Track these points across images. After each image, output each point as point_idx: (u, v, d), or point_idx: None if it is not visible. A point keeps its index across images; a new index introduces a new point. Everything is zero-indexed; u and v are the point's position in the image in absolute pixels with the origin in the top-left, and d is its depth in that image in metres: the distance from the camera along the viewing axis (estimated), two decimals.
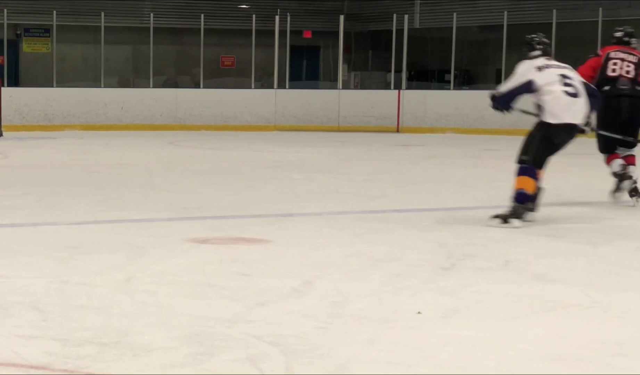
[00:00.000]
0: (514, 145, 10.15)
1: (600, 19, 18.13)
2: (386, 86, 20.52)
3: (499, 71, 19.63)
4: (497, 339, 3.50)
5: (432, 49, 21.63)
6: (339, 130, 18.59)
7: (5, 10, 18.67)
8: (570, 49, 19.45)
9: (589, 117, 6.97)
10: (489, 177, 10.01)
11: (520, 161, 6.61)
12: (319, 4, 22.41)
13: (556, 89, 6.60)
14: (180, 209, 7.17)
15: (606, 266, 5.10)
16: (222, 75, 22.04)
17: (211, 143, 14.88)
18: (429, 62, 22.29)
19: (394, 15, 19.87)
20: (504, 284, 4.51)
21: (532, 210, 6.54)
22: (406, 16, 19.98)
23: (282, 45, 19.79)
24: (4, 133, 15.65)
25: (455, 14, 19.41)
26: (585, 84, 6.85)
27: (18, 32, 20.88)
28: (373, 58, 23.24)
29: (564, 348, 3.39)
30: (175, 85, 20.76)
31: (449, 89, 19.42)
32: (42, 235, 5.88)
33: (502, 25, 18.94)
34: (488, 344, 3.42)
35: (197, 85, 19.84)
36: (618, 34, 8.00)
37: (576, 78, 6.79)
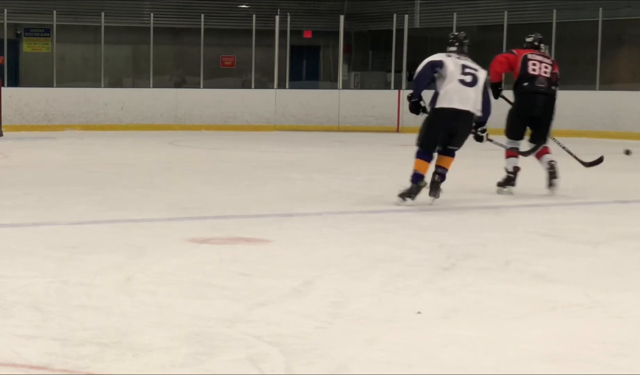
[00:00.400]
0: None
1: (600, 19, 18.12)
2: (386, 86, 20.51)
3: None
4: (497, 339, 3.50)
5: (432, 48, 21.60)
6: (339, 130, 18.58)
7: (5, 10, 18.66)
8: (571, 49, 19.46)
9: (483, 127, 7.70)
10: (489, 177, 10.00)
11: (416, 145, 7.50)
12: (319, 3, 22.41)
13: (454, 77, 7.34)
14: (180, 209, 7.17)
15: (606, 266, 5.10)
16: (222, 75, 22.04)
17: (211, 143, 14.87)
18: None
19: (394, 15, 19.86)
20: (504, 284, 4.51)
21: (425, 186, 7.43)
22: (406, 16, 19.98)
23: (282, 45, 19.79)
24: (4, 133, 15.65)
25: (455, 14, 19.40)
26: (486, 89, 7.54)
27: (18, 32, 20.88)
28: (373, 58, 23.24)
29: (564, 348, 3.39)
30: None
31: None
32: (41, 235, 5.88)
33: (502, 25, 18.93)
34: (488, 344, 3.42)
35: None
36: (530, 39, 8.67)
37: (482, 77, 7.51)
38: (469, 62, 7.52)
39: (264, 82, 20.51)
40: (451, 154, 7.57)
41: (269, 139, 16.73)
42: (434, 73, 7.41)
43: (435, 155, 7.54)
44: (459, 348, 3.35)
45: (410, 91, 7.58)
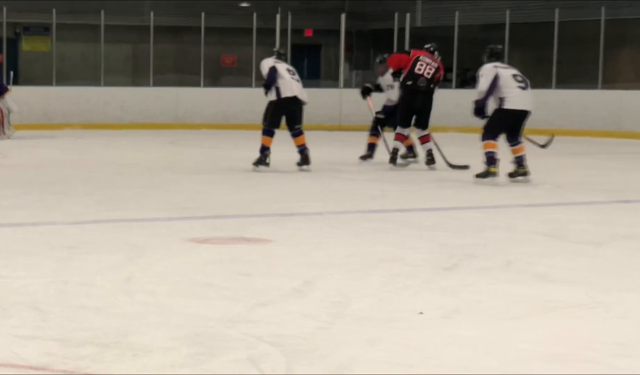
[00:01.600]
0: None
1: (602, 18, 18.11)
2: None
3: None
4: (498, 339, 3.49)
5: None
6: (340, 129, 18.58)
7: (4, 8, 18.67)
8: (573, 48, 19.46)
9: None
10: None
11: (263, 124, 10.21)
12: (320, 2, 22.40)
13: (286, 75, 10.19)
14: (180, 208, 7.16)
15: (607, 266, 5.09)
16: (223, 74, 22.04)
17: (212, 142, 14.87)
18: None
19: (396, 14, 19.87)
20: (505, 284, 4.50)
21: (265, 162, 10.05)
22: (408, 15, 19.98)
23: (283, 44, 19.78)
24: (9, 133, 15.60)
25: (457, 12, 19.40)
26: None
27: (17, 30, 20.88)
28: (375, 57, 23.25)
29: (565, 348, 3.38)
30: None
31: (450, 87, 19.40)
32: (41, 235, 5.87)
33: (504, 24, 18.93)
34: (489, 344, 3.41)
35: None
36: (427, 46, 10.94)
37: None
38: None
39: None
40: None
41: None
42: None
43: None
44: (460, 348, 3.35)
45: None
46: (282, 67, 10.20)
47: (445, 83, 20.67)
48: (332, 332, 3.55)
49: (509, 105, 9.04)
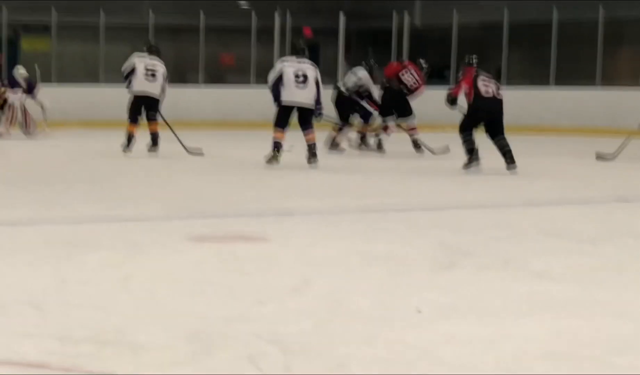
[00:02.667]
0: (514, 144, 10.18)
1: (600, 18, 18.11)
2: None
3: (499, 69, 19.62)
4: (497, 337, 3.49)
5: (432, 47, 21.62)
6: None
7: (4, 8, 18.65)
8: (571, 47, 19.45)
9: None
10: (489, 175, 10.00)
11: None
12: (318, 1, 22.39)
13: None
14: (179, 207, 7.16)
15: (606, 264, 5.09)
16: (222, 73, 22.03)
17: (210, 141, 14.84)
18: (429, 60, 22.28)
19: (394, 13, 19.86)
20: (504, 282, 4.51)
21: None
22: (406, 14, 19.97)
23: (282, 43, 19.77)
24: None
25: (455, 11, 19.39)
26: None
27: (17, 30, 20.86)
28: (373, 56, 23.22)
29: (564, 346, 3.38)
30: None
31: (448, 85, 19.38)
32: (41, 233, 5.87)
33: (503, 23, 18.93)
34: (488, 343, 3.41)
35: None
36: (423, 62, 13.47)
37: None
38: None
39: (263, 81, 20.49)
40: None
41: (269, 138, 16.70)
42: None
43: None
44: (458, 346, 3.35)
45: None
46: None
47: (443, 82, 20.69)
48: (330, 330, 3.56)
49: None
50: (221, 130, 17.85)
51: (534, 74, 20.63)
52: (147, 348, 3.25)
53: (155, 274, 4.56)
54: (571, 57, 19.41)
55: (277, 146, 10.56)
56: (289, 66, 10.60)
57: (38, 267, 4.71)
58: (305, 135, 10.67)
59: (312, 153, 10.58)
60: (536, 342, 3.42)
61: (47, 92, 16.47)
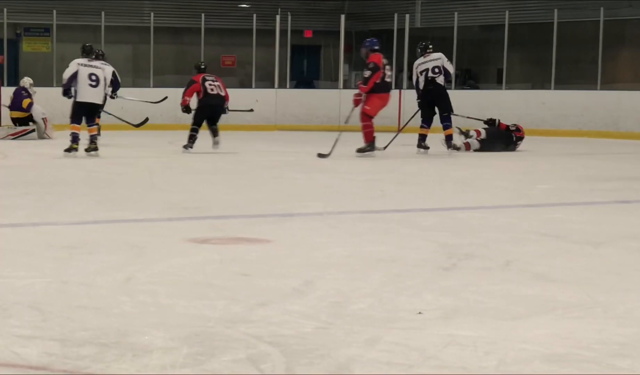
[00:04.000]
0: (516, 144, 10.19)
1: (601, 19, 18.11)
2: None
3: (500, 71, 19.63)
4: (498, 339, 3.49)
5: (433, 48, 21.64)
6: (340, 129, 18.55)
7: (5, 9, 18.66)
8: (572, 49, 19.46)
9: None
10: (489, 177, 10.00)
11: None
12: (319, 3, 22.41)
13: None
14: (180, 209, 7.16)
15: (607, 266, 5.09)
16: (223, 75, 22.02)
17: (211, 142, 14.84)
18: None
19: (395, 15, 19.86)
20: (505, 284, 4.50)
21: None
22: (407, 15, 19.98)
23: (282, 45, 19.79)
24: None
25: (456, 13, 19.40)
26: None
27: (18, 31, 20.87)
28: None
29: (565, 348, 3.38)
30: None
31: (450, 88, 19.40)
32: (41, 235, 5.87)
33: (504, 24, 18.93)
34: (489, 345, 3.41)
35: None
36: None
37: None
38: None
39: (264, 82, 20.50)
40: None
41: (270, 139, 16.72)
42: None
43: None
44: (459, 348, 3.35)
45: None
46: None
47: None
48: (331, 332, 3.55)
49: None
50: (222, 131, 17.82)
51: (534, 76, 20.65)
52: (148, 350, 3.25)
53: (156, 276, 4.56)
54: (572, 58, 19.42)
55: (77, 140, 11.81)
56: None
57: (39, 269, 4.71)
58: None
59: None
60: (537, 343, 3.42)
61: (46, 92, 16.50)
